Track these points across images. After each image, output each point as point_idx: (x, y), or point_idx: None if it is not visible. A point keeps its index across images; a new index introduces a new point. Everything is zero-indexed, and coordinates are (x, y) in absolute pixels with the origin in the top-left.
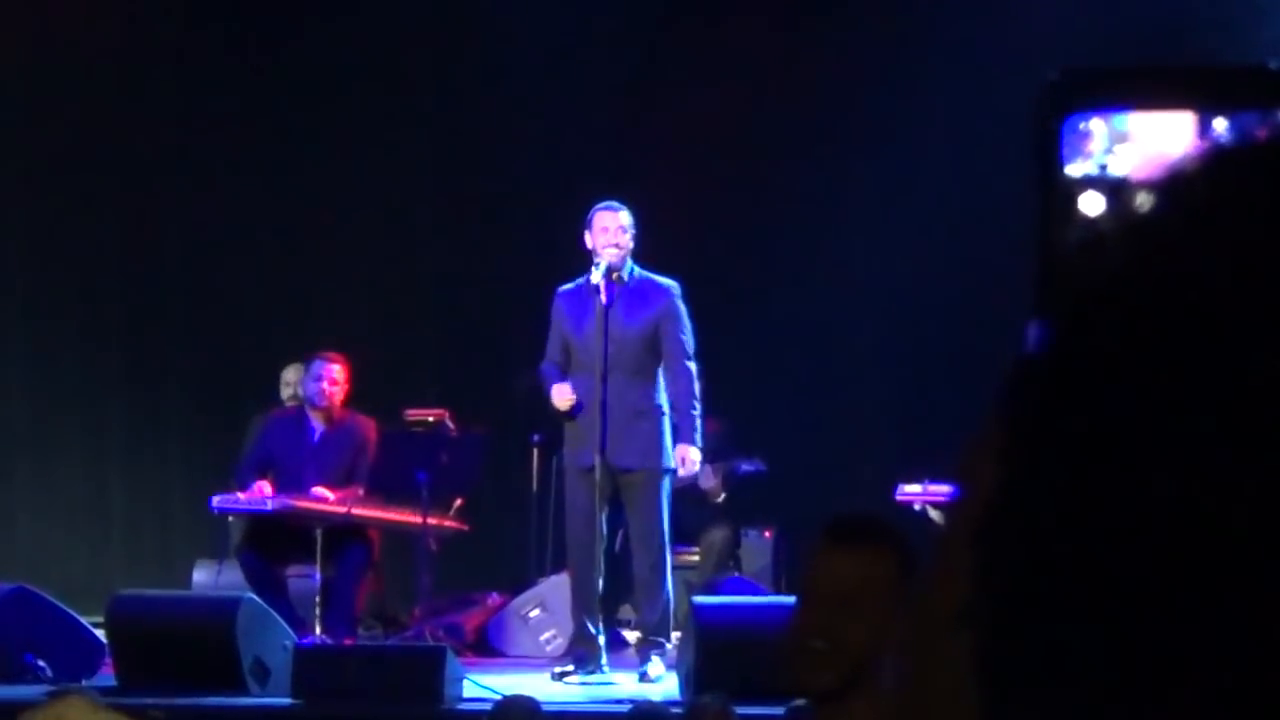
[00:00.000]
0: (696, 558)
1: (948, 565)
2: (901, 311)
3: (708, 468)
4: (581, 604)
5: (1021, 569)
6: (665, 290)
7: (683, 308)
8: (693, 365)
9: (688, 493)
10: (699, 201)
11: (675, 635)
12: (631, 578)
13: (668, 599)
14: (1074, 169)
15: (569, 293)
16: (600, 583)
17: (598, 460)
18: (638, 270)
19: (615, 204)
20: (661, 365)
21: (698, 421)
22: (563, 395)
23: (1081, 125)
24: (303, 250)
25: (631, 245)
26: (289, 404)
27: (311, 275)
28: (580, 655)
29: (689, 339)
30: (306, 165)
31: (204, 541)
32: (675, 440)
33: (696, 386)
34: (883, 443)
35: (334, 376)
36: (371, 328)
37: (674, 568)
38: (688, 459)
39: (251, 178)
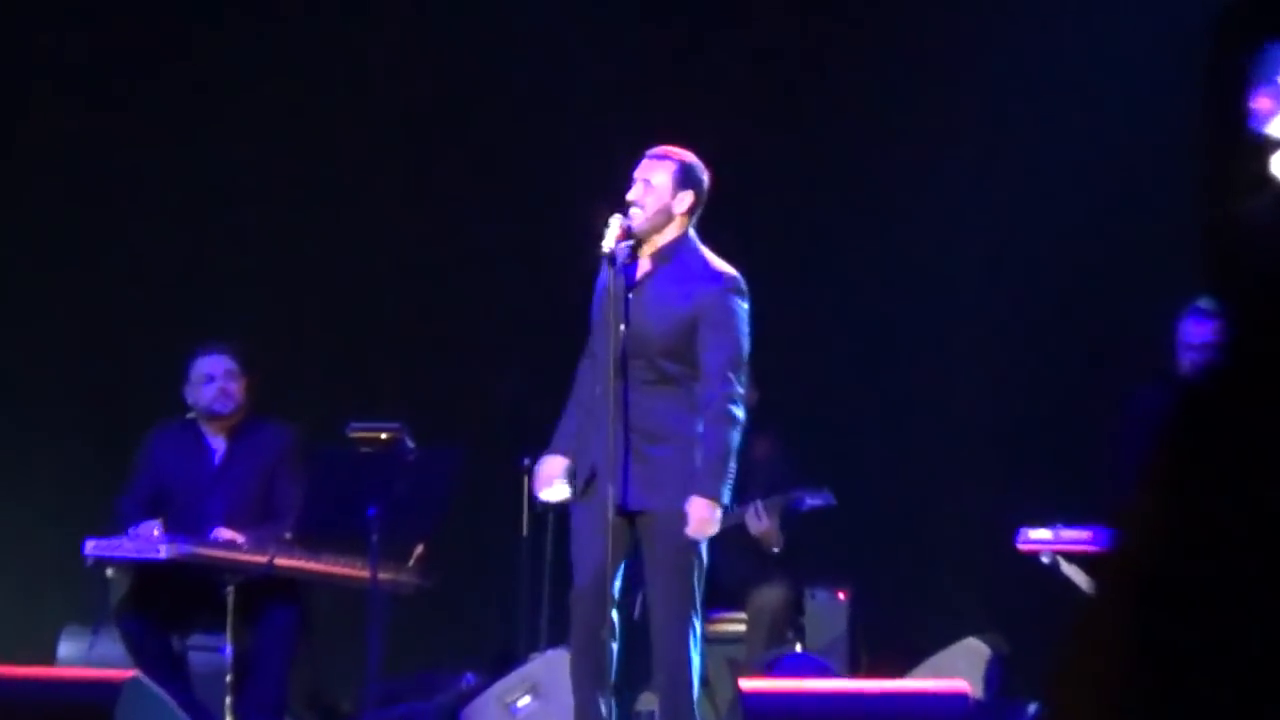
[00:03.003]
0: (744, 626)
1: (1098, 633)
2: (1017, 302)
3: (758, 505)
4: (585, 677)
5: (1208, 630)
6: (716, 278)
7: (739, 307)
8: (737, 389)
9: (733, 538)
10: (747, 173)
11: None
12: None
13: (693, 679)
14: (1274, 128)
15: (609, 256)
16: (614, 650)
17: (610, 490)
18: (699, 246)
19: (656, 150)
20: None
21: (725, 465)
22: (548, 482)
23: None
24: (215, 226)
25: (669, 210)
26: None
27: (227, 258)
28: None
29: (738, 351)
30: (216, 120)
31: (74, 601)
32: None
33: (735, 416)
34: (995, 473)
35: (230, 368)
36: (308, 321)
37: (710, 639)
38: (696, 516)
39: (156, 141)
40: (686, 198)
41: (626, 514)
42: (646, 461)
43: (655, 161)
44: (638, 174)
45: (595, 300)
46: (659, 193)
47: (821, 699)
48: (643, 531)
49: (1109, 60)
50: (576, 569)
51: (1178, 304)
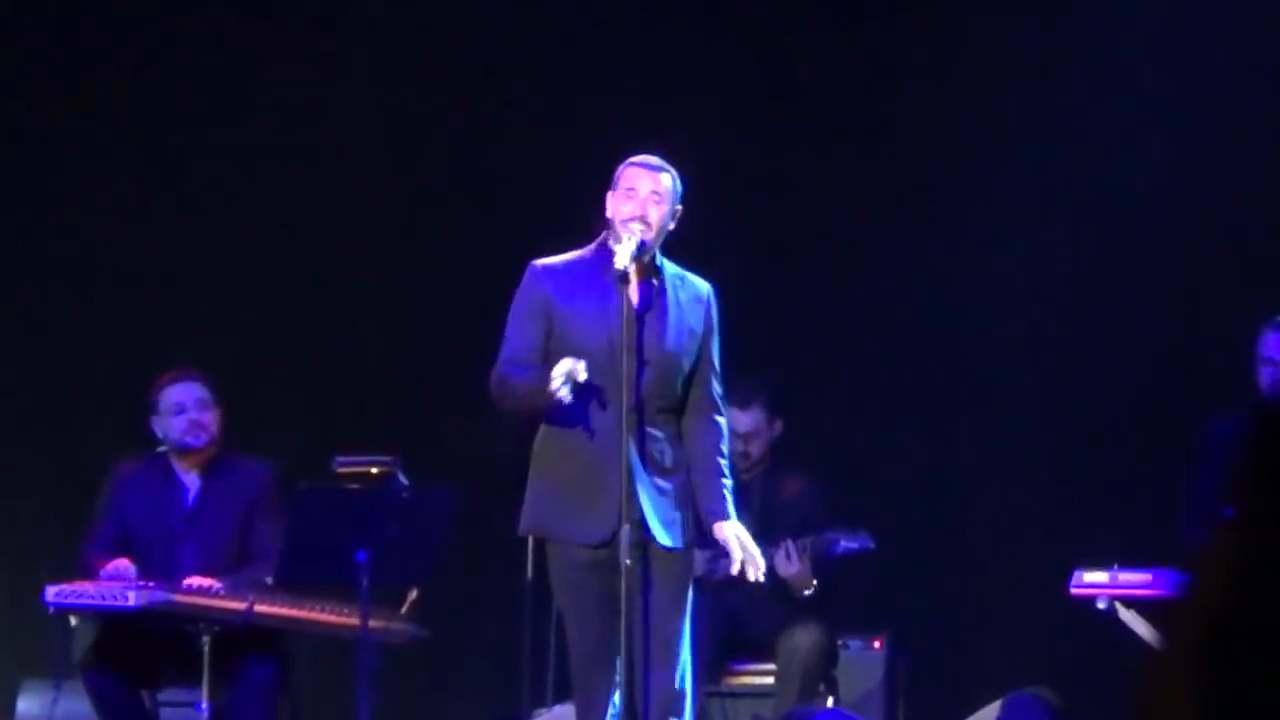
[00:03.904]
0: (771, 679)
1: (1165, 688)
2: (1071, 318)
3: (789, 546)
4: None
5: None
6: (705, 292)
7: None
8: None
9: (760, 582)
10: (756, 167)
11: None
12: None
13: None
14: None
15: (565, 272)
16: (621, 706)
17: (625, 534)
18: (669, 265)
19: (655, 161)
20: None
21: (729, 488)
22: (567, 370)
23: None
24: (184, 240)
25: (666, 226)
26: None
27: (198, 275)
28: None
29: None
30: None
31: (34, 653)
32: (702, 511)
33: None
34: (1046, 509)
35: (203, 398)
36: (288, 344)
37: (735, 693)
38: (743, 543)
39: (123, 147)
40: (678, 210)
41: (641, 552)
42: (663, 495)
43: (656, 173)
44: (636, 185)
45: (579, 317)
46: (667, 205)
47: None
48: (660, 570)
49: (1186, 69)
50: (577, 617)
51: (1259, 321)
